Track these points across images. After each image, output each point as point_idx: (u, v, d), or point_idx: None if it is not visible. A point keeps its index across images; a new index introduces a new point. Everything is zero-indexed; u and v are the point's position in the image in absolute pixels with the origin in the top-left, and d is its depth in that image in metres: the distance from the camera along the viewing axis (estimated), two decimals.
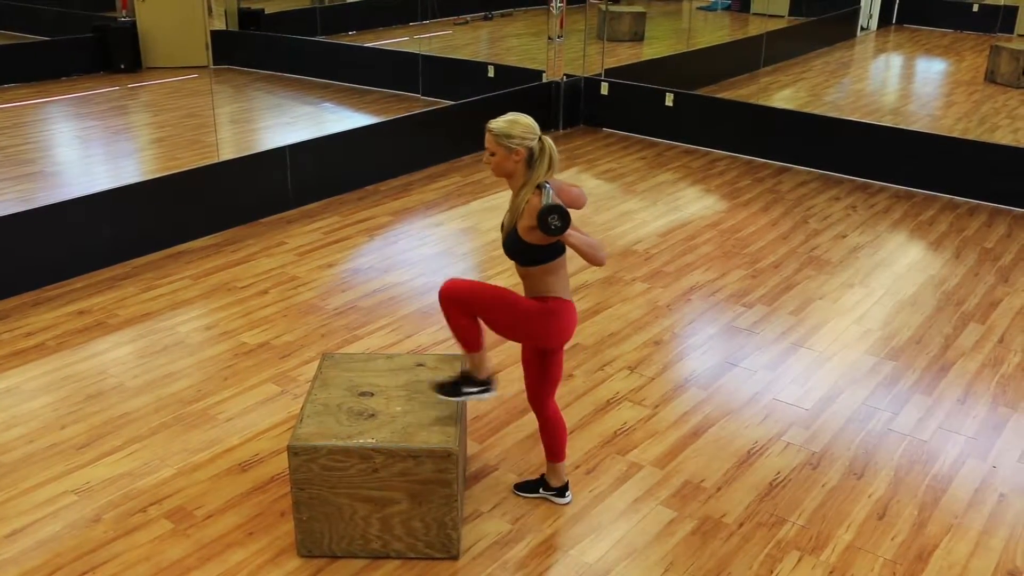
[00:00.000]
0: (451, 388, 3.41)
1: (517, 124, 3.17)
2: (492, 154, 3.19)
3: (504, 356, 4.81)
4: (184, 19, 11.77)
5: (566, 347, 4.23)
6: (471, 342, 3.33)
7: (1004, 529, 3.61)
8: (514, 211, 3.22)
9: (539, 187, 3.16)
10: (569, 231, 3.08)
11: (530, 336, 3.36)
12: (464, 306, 3.25)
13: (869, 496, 3.79)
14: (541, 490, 3.71)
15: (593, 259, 3.19)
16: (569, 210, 3.16)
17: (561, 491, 3.68)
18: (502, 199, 7.21)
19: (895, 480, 3.89)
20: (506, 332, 3.38)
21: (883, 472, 3.94)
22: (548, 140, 3.21)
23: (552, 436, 3.58)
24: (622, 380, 4.64)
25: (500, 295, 3.29)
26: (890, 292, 5.69)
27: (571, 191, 3.38)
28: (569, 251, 3.25)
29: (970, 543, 3.54)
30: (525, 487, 3.74)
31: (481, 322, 3.32)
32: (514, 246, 3.23)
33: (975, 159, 7.50)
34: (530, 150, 3.17)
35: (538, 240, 3.15)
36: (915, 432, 4.24)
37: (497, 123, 3.19)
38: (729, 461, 4.00)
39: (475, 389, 3.42)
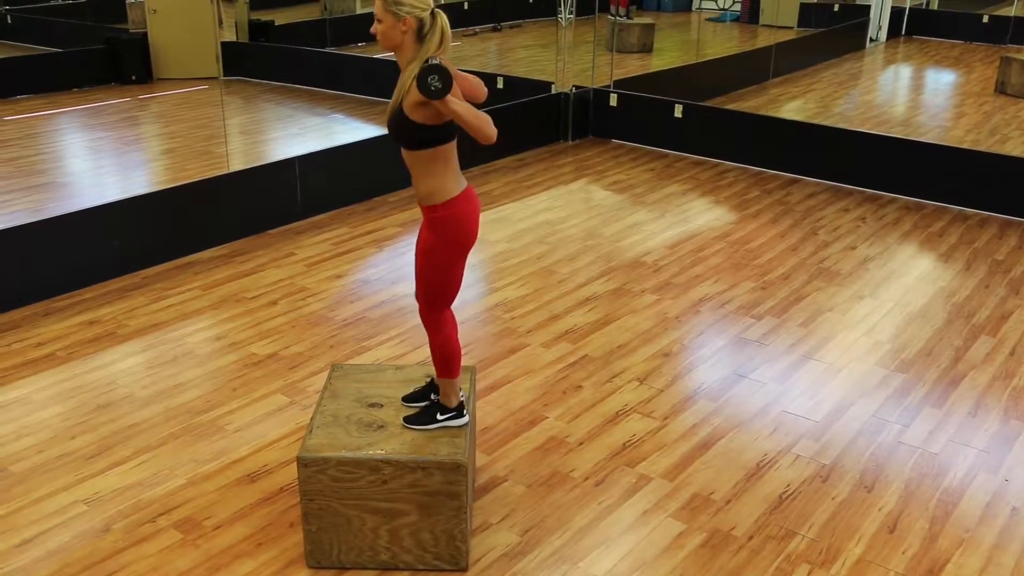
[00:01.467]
0: (424, 417, 3.39)
1: None
2: (379, 21, 3.02)
3: (511, 368, 4.81)
4: (195, 31, 11.84)
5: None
6: (454, 363, 3.33)
7: (1016, 544, 3.59)
8: (400, 88, 3.05)
9: (427, 60, 2.93)
10: (451, 97, 2.85)
11: (461, 252, 3.20)
12: (437, 300, 3.23)
13: (879, 509, 3.77)
14: (434, 398, 3.47)
15: (479, 131, 2.92)
16: (478, 100, 3.04)
17: (459, 411, 3.44)
18: (511, 210, 7.22)
19: (906, 493, 3.87)
20: (456, 275, 3.24)
21: (893, 485, 3.92)
22: (442, 14, 3.04)
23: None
24: (631, 392, 4.63)
25: (423, 264, 3.20)
26: (900, 304, 5.67)
27: (469, 78, 3.22)
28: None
29: (982, 558, 3.51)
30: (413, 397, 3.55)
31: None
32: (399, 125, 3.04)
33: (986, 170, 7.47)
34: (420, 20, 2.98)
35: (425, 118, 2.97)
36: (926, 445, 4.21)
37: None
38: (738, 473, 3.98)
39: (448, 416, 3.39)
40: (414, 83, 2.93)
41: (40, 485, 3.83)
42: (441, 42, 3.02)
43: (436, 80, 2.84)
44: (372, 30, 3.08)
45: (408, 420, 3.40)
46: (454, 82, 2.91)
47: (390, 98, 3.14)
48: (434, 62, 2.89)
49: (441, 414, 3.40)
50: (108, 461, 4.00)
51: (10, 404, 4.43)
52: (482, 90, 3.29)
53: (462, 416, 3.42)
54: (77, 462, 3.99)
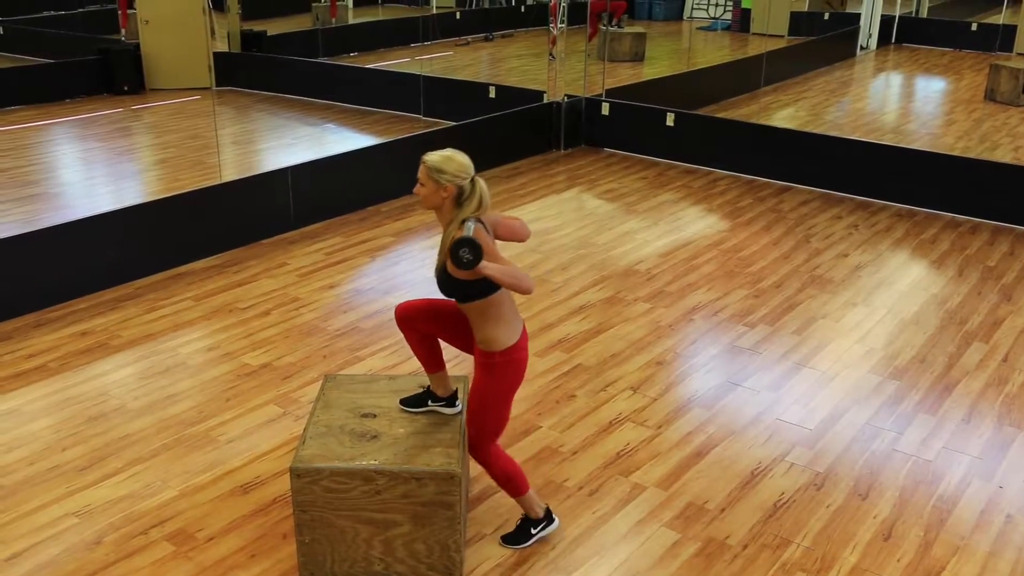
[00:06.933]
0: (520, 536, 3.54)
1: (452, 161, 3.13)
2: (422, 185, 3.15)
3: None
4: (187, 41, 11.82)
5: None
6: (518, 482, 3.48)
7: (1011, 551, 3.59)
8: (443, 249, 3.18)
9: (463, 222, 3.11)
10: (485, 263, 2.99)
11: (512, 392, 3.34)
12: (487, 437, 3.38)
13: (874, 517, 3.76)
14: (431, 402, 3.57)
15: (516, 288, 3.07)
16: (522, 241, 3.21)
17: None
18: None
19: (900, 501, 3.87)
20: (507, 413, 3.38)
21: (888, 493, 3.92)
22: (480, 181, 3.17)
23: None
24: (625, 401, 4.62)
25: (477, 405, 3.31)
26: (893, 311, 5.68)
27: (510, 223, 3.35)
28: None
29: (977, 565, 3.51)
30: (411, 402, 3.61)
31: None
32: (446, 284, 3.19)
33: (976, 177, 7.50)
34: (460, 188, 3.13)
35: (468, 275, 3.09)
36: (920, 452, 4.22)
37: (432, 156, 3.15)
38: (733, 482, 3.98)
39: (541, 527, 3.56)
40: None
41: (31, 498, 3.81)
42: (479, 206, 3.15)
43: (467, 253, 2.98)
44: (415, 191, 3.19)
45: (505, 539, 3.55)
46: (490, 244, 3.07)
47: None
48: (466, 234, 3.02)
49: (534, 528, 3.54)
50: (100, 473, 3.97)
51: (1, 416, 4.41)
52: (525, 231, 3.42)
53: (552, 522, 3.57)
54: (68, 474, 3.97)
